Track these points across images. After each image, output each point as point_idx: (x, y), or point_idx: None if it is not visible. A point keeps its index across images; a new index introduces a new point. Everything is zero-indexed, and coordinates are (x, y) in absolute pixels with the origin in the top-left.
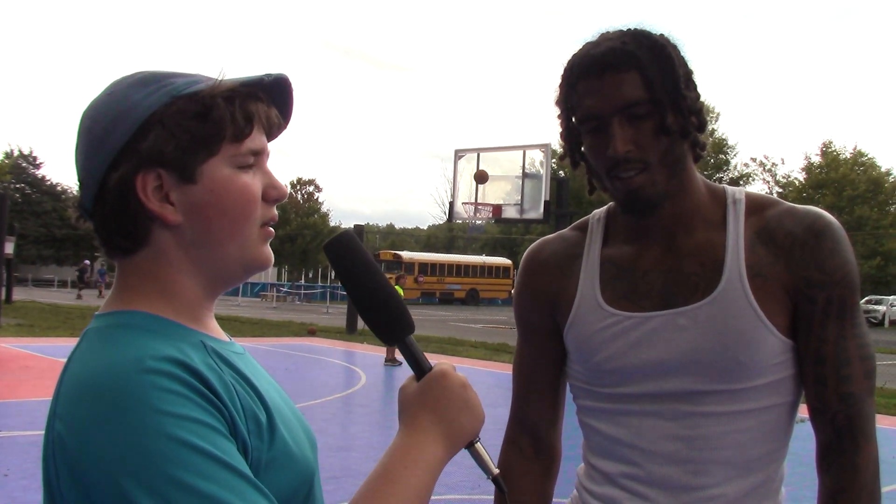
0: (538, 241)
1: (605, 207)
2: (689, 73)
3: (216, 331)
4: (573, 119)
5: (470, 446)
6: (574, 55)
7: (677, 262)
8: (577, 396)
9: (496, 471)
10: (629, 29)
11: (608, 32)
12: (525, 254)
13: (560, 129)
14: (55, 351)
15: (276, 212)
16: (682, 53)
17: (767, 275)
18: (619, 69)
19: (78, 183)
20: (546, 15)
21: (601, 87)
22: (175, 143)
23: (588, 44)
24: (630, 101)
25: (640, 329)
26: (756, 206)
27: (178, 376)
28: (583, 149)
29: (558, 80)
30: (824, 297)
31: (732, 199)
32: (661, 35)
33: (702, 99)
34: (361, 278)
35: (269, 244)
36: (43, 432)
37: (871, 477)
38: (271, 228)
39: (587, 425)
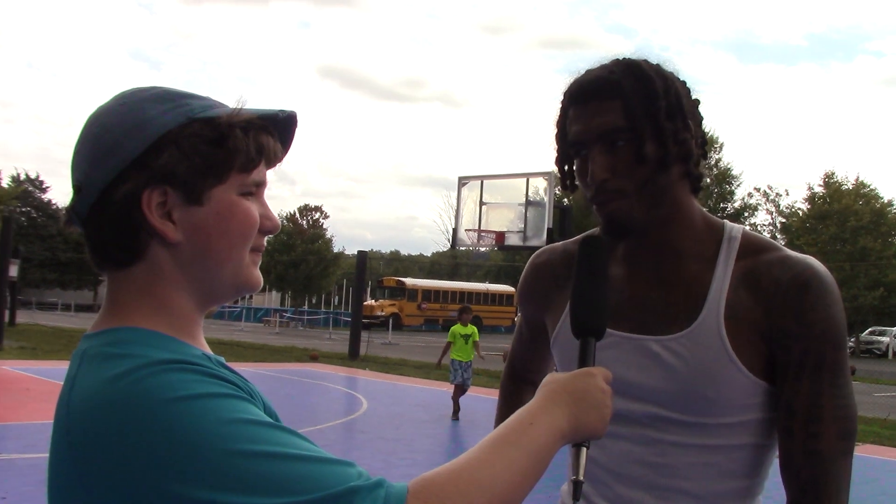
0: (544, 248)
1: None
2: (674, 103)
3: (207, 347)
4: (567, 143)
5: (579, 445)
6: (571, 81)
7: (662, 291)
8: None
9: (582, 479)
10: (621, 58)
11: (605, 61)
12: (532, 255)
13: (556, 154)
14: (57, 374)
15: (264, 241)
16: (674, 84)
17: (744, 318)
18: (602, 97)
19: (74, 187)
20: (548, 46)
21: (585, 114)
22: (187, 164)
23: (585, 71)
24: (609, 129)
25: (615, 349)
26: (750, 248)
27: (190, 368)
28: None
29: (559, 105)
30: (800, 349)
31: (728, 236)
32: (653, 65)
33: (694, 131)
34: (598, 280)
35: (258, 267)
36: (42, 455)
37: None
38: (257, 255)
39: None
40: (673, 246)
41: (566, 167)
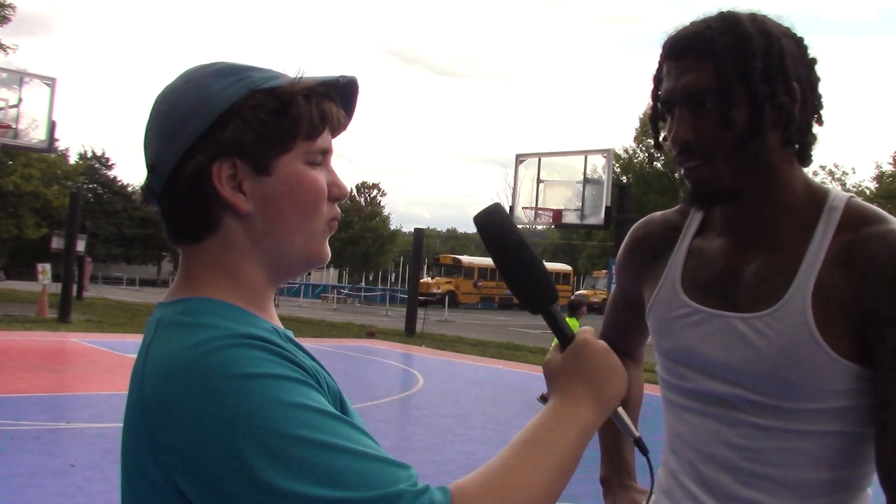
0: (646, 218)
1: None
2: (775, 65)
3: (277, 320)
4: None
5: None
6: (670, 34)
7: (754, 264)
8: (661, 387)
9: (637, 434)
10: (725, 11)
11: (711, 13)
12: (632, 227)
13: (650, 109)
14: (122, 347)
15: (338, 210)
16: (778, 43)
17: (833, 298)
18: (695, 55)
19: (147, 166)
20: (607, 21)
21: (676, 70)
22: (253, 135)
23: (690, 23)
24: (697, 89)
25: (704, 325)
26: (853, 219)
27: (261, 346)
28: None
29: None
30: (894, 336)
31: (829, 206)
32: (759, 21)
33: (801, 95)
34: (513, 250)
35: (327, 242)
36: (108, 424)
37: None
38: (334, 224)
39: (664, 418)
40: (768, 217)
41: (656, 123)
